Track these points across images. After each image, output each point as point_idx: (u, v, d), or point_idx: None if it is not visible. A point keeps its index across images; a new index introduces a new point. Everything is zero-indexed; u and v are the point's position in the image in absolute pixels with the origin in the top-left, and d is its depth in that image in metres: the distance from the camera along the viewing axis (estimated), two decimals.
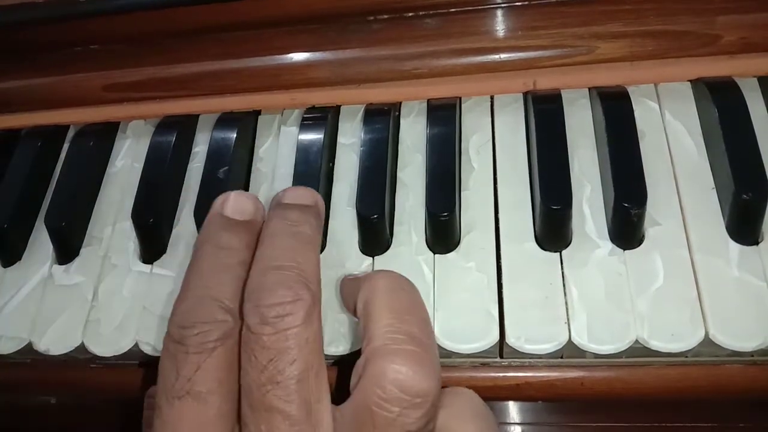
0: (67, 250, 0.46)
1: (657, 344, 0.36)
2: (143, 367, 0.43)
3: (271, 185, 0.46)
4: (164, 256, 0.44)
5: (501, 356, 0.39)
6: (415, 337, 0.29)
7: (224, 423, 0.28)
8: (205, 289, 0.30)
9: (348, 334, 0.39)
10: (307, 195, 0.36)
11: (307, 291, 0.29)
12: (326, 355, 0.38)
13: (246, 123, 0.49)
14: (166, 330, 0.30)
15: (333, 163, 0.46)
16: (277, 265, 0.30)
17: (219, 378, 0.28)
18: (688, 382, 0.38)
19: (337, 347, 0.39)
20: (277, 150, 0.48)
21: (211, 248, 0.32)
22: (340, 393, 0.30)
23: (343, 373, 0.38)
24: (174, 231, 0.46)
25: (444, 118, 0.45)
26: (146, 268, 0.44)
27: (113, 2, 0.48)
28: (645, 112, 0.44)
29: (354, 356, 0.34)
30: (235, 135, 0.47)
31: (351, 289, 0.33)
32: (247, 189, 0.47)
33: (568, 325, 0.37)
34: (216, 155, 0.47)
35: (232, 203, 0.35)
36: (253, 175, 0.47)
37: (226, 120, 0.49)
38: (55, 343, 0.42)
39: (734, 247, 0.38)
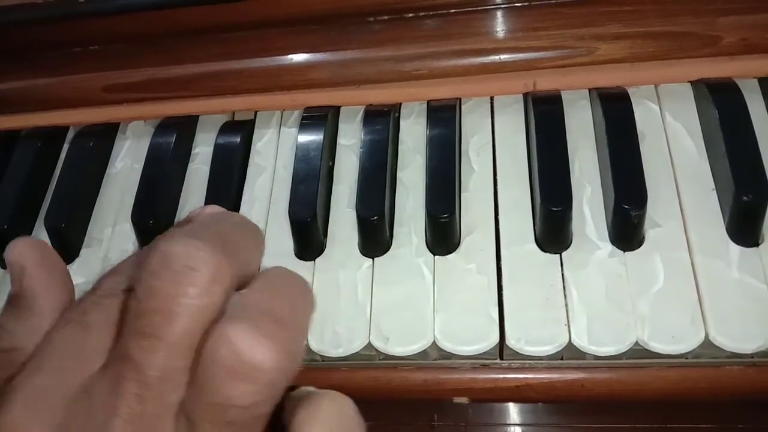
0: (67, 251, 0.46)
1: (657, 346, 0.36)
2: None
3: (271, 181, 0.46)
4: None
5: (501, 358, 0.39)
6: (275, 313, 0.25)
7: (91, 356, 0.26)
8: None
9: (344, 335, 0.39)
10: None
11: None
12: (329, 358, 0.38)
13: (246, 124, 0.49)
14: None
15: (333, 164, 0.46)
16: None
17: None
18: (689, 383, 0.38)
19: (336, 349, 0.38)
20: (277, 147, 0.48)
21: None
22: None
23: None
24: None
25: (444, 120, 0.45)
26: None
27: (113, 3, 0.48)
28: (645, 113, 0.44)
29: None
30: (239, 138, 0.47)
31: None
32: (243, 183, 0.46)
33: (569, 327, 0.37)
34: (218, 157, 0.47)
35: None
36: (249, 169, 0.47)
37: (228, 125, 0.49)
38: None
39: (734, 248, 0.38)
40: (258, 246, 0.29)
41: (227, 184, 0.46)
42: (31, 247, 0.31)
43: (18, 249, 0.31)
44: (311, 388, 0.28)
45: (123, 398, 0.24)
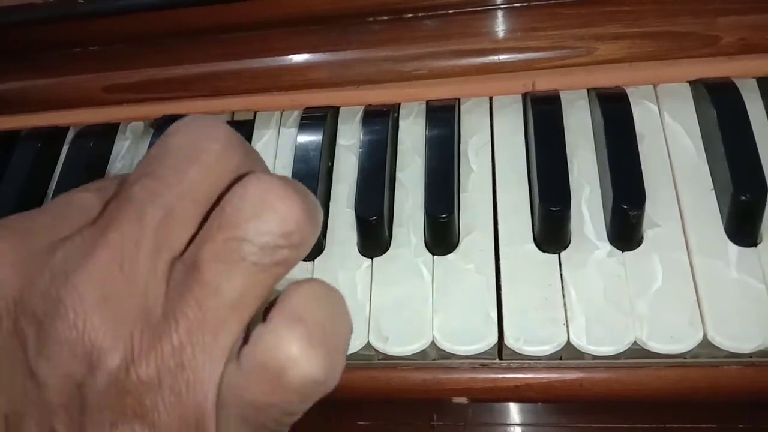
0: None
1: (656, 346, 0.36)
2: None
3: None
4: None
5: (500, 358, 0.39)
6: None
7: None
8: None
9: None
10: None
11: None
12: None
13: (246, 125, 0.49)
14: None
15: (332, 164, 0.46)
16: None
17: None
18: (687, 383, 0.38)
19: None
20: (276, 148, 0.48)
21: None
22: None
23: None
24: None
25: (443, 120, 0.45)
26: None
27: (113, 3, 0.48)
28: (644, 113, 0.44)
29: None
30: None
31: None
32: None
33: (567, 327, 0.37)
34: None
35: None
36: None
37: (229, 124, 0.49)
38: None
39: (733, 248, 0.38)
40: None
41: None
42: None
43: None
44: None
45: (116, 232, 0.20)
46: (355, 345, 0.38)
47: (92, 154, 0.50)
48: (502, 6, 0.46)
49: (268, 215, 0.21)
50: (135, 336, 0.20)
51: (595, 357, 0.37)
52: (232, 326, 0.20)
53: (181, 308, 0.20)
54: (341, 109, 0.48)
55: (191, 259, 0.21)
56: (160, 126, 0.50)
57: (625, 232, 0.39)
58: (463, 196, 0.43)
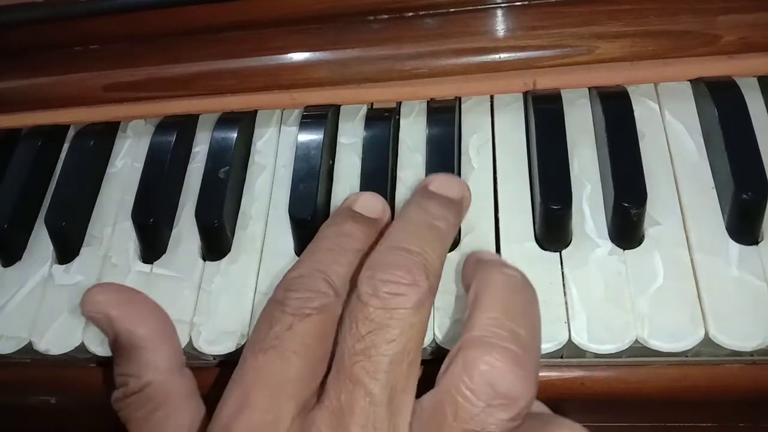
0: (67, 250, 0.46)
1: (657, 344, 0.36)
2: None
3: (271, 180, 0.46)
4: (164, 256, 0.44)
5: None
6: (520, 338, 0.27)
7: (301, 387, 0.27)
8: (316, 263, 0.31)
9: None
10: (455, 187, 0.36)
11: (425, 279, 0.28)
12: None
13: (246, 123, 0.49)
14: (273, 293, 0.30)
15: (333, 162, 0.46)
16: (403, 246, 0.30)
17: (307, 343, 0.28)
18: (688, 381, 0.38)
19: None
20: (277, 146, 0.48)
21: (332, 232, 0.33)
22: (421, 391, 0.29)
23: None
24: (174, 231, 0.46)
25: (444, 118, 0.45)
26: (146, 267, 0.44)
27: (113, 2, 0.48)
28: (645, 111, 0.44)
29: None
30: (235, 135, 0.47)
31: (470, 271, 0.32)
32: (244, 182, 0.46)
33: (568, 325, 0.37)
34: (217, 155, 0.47)
35: (363, 201, 0.36)
36: (250, 168, 0.47)
37: (226, 120, 0.49)
38: (55, 342, 0.42)
39: (734, 246, 0.38)
40: (450, 233, 0.33)
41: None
42: (102, 293, 0.32)
43: (90, 302, 0.32)
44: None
45: (355, 419, 0.25)
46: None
47: (93, 152, 0.50)
48: (502, 5, 0.46)
49: (498, 412, 0.25)
50: None
51: (596, 355, 0.37)
52: None
53: None
54: (342, 108, 0.48)
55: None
56: (163, 126, 0.50)
57: (626, 230, 0.39)
58: None
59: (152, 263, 0.44)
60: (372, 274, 0.28)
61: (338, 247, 0.32)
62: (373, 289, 0.28)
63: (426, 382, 0.28)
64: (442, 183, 0.36)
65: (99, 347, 0.42)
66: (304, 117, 0.48)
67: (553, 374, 0.38)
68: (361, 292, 0.28)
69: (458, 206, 0.35)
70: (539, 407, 0.32)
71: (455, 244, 0.41)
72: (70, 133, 0.52)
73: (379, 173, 0.43)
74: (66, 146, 0.51)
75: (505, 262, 0.32)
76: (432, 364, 0.29)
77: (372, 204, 0.36)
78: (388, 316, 0.27)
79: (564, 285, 0.38)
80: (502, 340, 0.27)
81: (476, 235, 0.41)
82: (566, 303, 0.38)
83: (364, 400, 0.26)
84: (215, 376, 0.41)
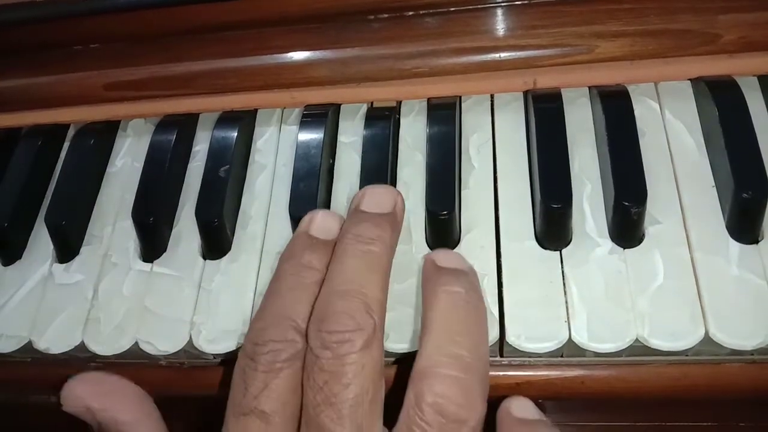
0: (67, 249, 0.46)
1: (657, 343, 0.36)
2: (143, 366, 0.43)
3: (271, 179, 0.46)
4: (164, 254, 0.44)
5: (501, 355, 0.39)
6: (462, 360, 0.29)
7: None
8: (280, 307, 0.32)
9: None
10: (385, 199, 0.37)
11: (368, 318, 0.30)
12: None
13: (247, 122, 0.49)
14: (242, 345, 0.31)
15: (333, 161, 0.46)
16: (342, 290, 0.31)
17: (284, 399, 0.30)
18: (688, 380, 0.38)
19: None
20: (277, 145, 0.48)
21: (292, 267, 0.34)
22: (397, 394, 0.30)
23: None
24: (174, 230, 0.46)
25: (444, 117, 0.45)
26: (146, 266, 0.44)
27: (113, 1, 0.48)
28: (645, 110, 0.44)
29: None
30: (236, 133, 0.47)
31: (423, 285, 0.34)
32: (244, 181, 0.46)
33: (569, 324, 0.37)
34: (217, 154, 0.47)
35: (318, 223, 0.36)
36: (250, 167, 0.47)
37: (227, 119, 0.49)
38: (55, 341, 0.42)
39: (734, 245, 0.38)
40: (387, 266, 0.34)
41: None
42: (80, 385, 0.33)
43: (69, 397, 0.32)
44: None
45: None
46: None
47: (93, 151, 0.50)
48: (502, 4, 0.46)
49: None
50: None
51: (596, 354, 0.37)
52: None
53: None
54: (342, 107, 0.48)
55: None
56: (163, 125, 0.50)
57: (626, 229, 0.39)
58: (465, 194, 0.42)
59: (152, 262, 0.44)
60: (318, 326, 0.30)
61: (299, 285, 0.33)
62: (321, 341, 0.29)
63: None
64: (371, 199, 0.36)
65: (99, 346, 0.42)
66: (304, 116, 0.48)
67: (554, 373, 0.38)
68: (312, 347, 0.30)
69: (392, 219, 0.36)
70: (528, 412, 0.34)
71: (456, 243, 0.41)
72: (70, 132, 0.52)
73: (379, 172, 0.43)
74: (66, 145, 0.51)
75: (449, 275, 0.33)
76: None
77: (328, 225, 0.36)
78: (340, 363, 0.29)
79: (564, 284, 0.38)
80: (444, 368, 0.29)
81: (476, 234, 0.41)
82: (566, 302, 0.38)
83: None
84: (215, 375, 0.41)
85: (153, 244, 0.45)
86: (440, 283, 0.32)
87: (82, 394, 0.33)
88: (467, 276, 0.33)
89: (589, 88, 0.46)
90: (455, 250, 0.40)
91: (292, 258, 0.35)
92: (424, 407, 0.28)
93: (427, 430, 0.28)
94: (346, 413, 0.28)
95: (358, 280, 0.32)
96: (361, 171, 0.44)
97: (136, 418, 0.33)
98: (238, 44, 0.49)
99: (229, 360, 0.41)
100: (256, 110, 0.50)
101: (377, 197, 0.36)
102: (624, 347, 0.36)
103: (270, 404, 0.29)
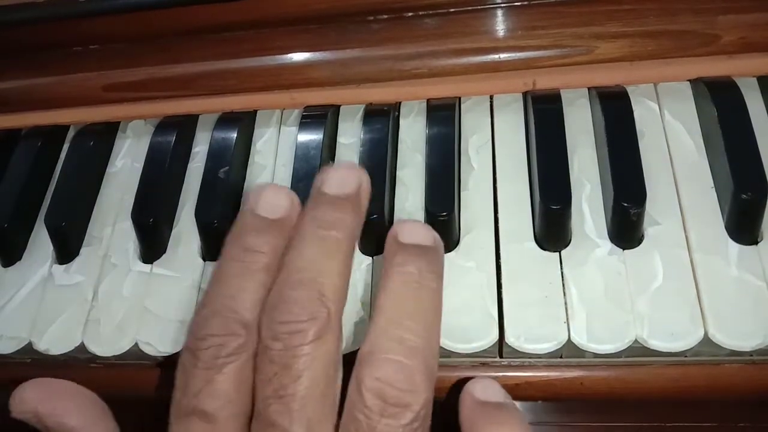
0: (67, 250, 0.46)
1: (656, 344, 0.36)
2: (143, 367, 0.43)
3: (271, 180, 0.46)
4: (164, 255, 0.45)
5: (500, 356, 0.39)
6: (406, 344, 0.28)
7: None
8: (223, 297, 0.30)
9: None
10: (348, 180, 0.33)
11: (322, 308, 0.28)
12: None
13: (246, 123, 0.49)
14: (186, 337, 0.29)
15: (333, 162, 0.46)
16: (296, 279, 0.29)
17: (228, 397, 0.28)
18: (688, 381, 0.38)
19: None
20: (277, 146, 0.48)
21: (236, 251, 0.31)
22: None
23: None
24: (174, 231, 0.46)
25: (443, 118, 0.45)
26: (146, 267, 0.44)
27: (113, 2, 0.48)
28: (644, 111, 0.44)
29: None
30: (235, 134, 0.47)
31: (384, 262, 0.32)
32: (244, 182, 0.47)
33: (568, 325, 0.37)
34: (217, 155, 0.47)
35: (265, 200, 0.32)
36: (250, 168, 0.47)
37: (226, 120, 0.49)
38: (55, 342, 0.42)
39: (733, 246, 0.38)
40: (347, 262, 0.31)
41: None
42: (28, 390, 0.32)
43: (17, 401, 0.31)
44: None
45: None
46: (356, 343, 0.38)
47: (92, 152, 0.50)
48: (502, 5, 0.46)
49: (395, 420, 0.26)
50: None
51: (595, 355, 0.37)
52: None
53: None
54: (342, 108, 0.48)
55: None
56: (163, 126, 0.50)
57: (625, 230, 0.39)
58: (464, 195, 0.43)
59: (152, 263, 0.44)
60: (270, 316, 0.28)
61: (244, 271, 0.30)
62: (272, 332, 0.28)
63: None
64: (333, 179, 0.32)
65: (99, 347, 0.42)
66: (303, 117, 0.48)
67: (553, 374, 0.38)
68: (263, 337, 0.28)
69: (355, 201, 0.32)
70: (492, 394, 0.32)
71: (455, 244, 0.41)
72: (70, 133, 0.52)
73: (378, 173, 0.43)
74: (66, 146, 0.51)
75: (405, 254, 0.31)
76: None
77: (275, 203, 0.32)
78: (290, 354, 0.27)
79: (563, 285, 0.38)
80: (387, 353, 0.28)
81: (476, 235, 0.41)
82: (566, 303, 0.38)
83: None
84: None
85: (153, 245, 0.45)
86: (395, 262, 0.30)
87: (29, 399, 0.32)
88: (427, 253, 0.31)
89: (589, 89, 0.46)
90: (455, 251, 0.40)
91: (235, 242, 0.31)
92: (365, 392, 0.27)
93: (368, 415, 0.26)
94: (296, 407, 0.27)
95: (314, 268, 0.29)
96: None
97: (84, 423, 0.31)
98: (237, 45, 0.49)
99: None
100: (255, 111, 0.50)
101: (340, 178, 0.32)
102: (623, 348, 0.36)
103: (212, 403, 0.27)
